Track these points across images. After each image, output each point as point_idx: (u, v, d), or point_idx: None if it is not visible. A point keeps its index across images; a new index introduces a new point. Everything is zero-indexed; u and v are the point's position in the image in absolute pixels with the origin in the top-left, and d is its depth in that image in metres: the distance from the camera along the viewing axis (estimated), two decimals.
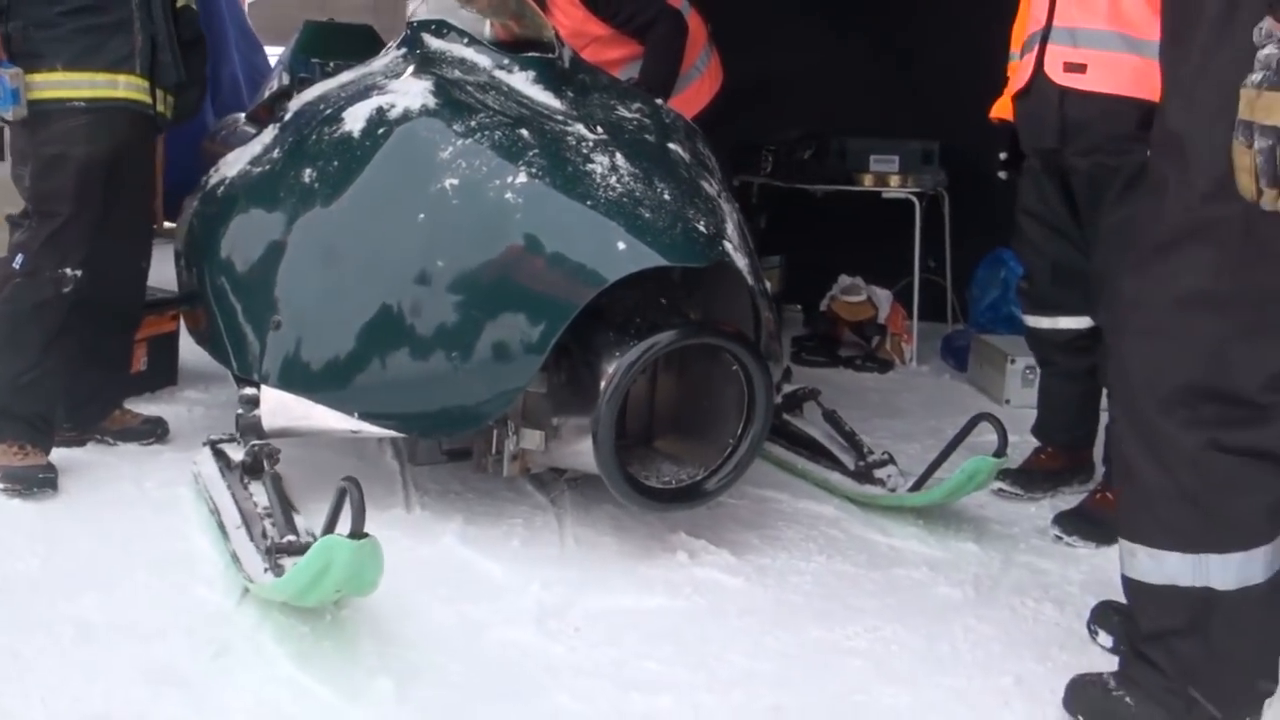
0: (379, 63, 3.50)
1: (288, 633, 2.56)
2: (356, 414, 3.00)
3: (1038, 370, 4.16)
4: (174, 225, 6.59)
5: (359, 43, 4.53)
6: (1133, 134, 3.07)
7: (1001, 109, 3.59)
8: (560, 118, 3.08)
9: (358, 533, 2.27)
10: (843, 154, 4.90)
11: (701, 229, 2.85)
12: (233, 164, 3.45)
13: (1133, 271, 2.32)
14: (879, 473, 3.42)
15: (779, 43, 5.14)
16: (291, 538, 2.69)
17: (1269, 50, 1.93)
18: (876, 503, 3.36)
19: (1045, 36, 3.24)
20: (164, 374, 4.17)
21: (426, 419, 2.98)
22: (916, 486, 3.32)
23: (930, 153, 4.83)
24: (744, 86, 4.60)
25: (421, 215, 2.92)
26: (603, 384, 2.78)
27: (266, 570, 2.66)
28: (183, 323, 4.08)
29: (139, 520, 3.13)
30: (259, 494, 2.97)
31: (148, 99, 3.37)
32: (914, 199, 4.75)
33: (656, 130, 3.18)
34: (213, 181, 3.45)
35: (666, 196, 2.88)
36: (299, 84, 4.08)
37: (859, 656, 2.62)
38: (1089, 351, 3.43)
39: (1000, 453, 3.13)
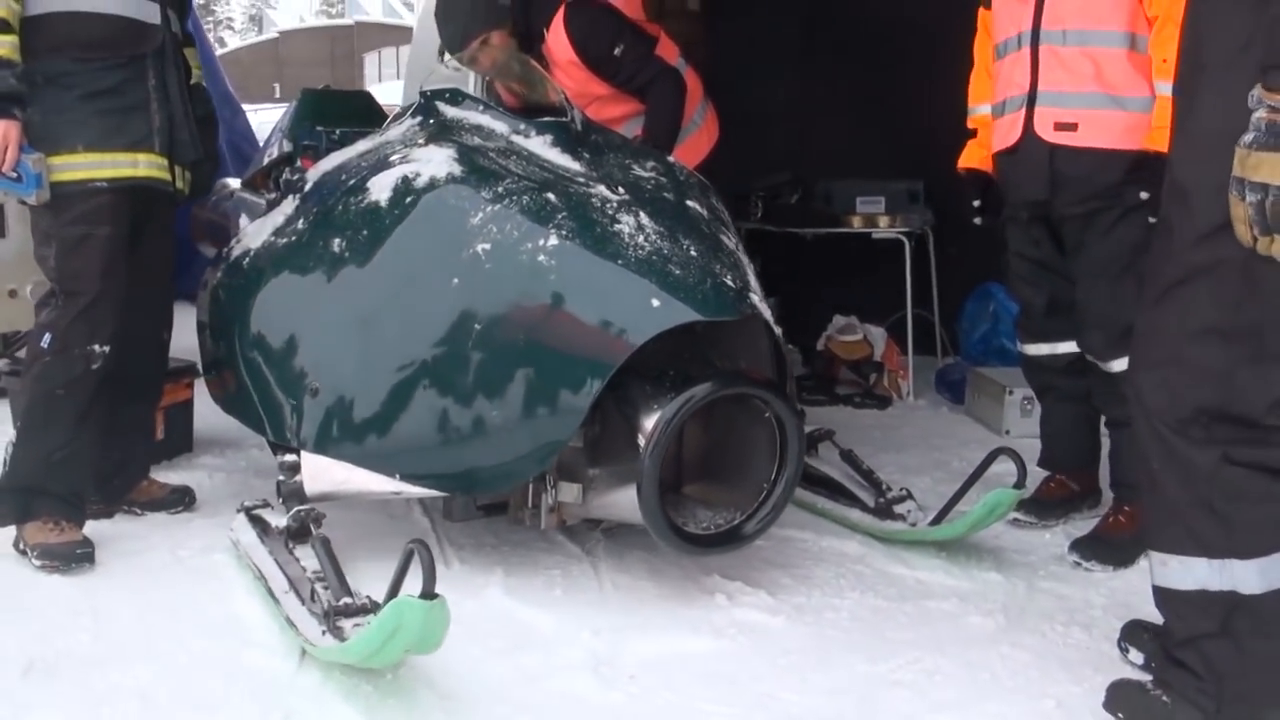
0: (394, 131, 3.59)
1: (352, 693, 2.62)
2: (398, 476, 3.07)
3: (1035, 401, 4.32)
4: None
5: (359, 109, 4.62)
6: (1122, 180, 3.33)
7: (969, 159, 3.77)
8: (582, 180, 3.18)
9: (429, 593, 2.35)
10: (829, 197, 5.04)
11: (729, 283, 2.96)
12: (255, 235, 3.52)
13: (1147, 308, 2.50)
14: (899, 508, 3.53)
15: (758, 88, 5.27)
16: (348, 600, 2.74)
17: (1259, 114, 2.16)
18: (899, 538, 3.47)
19: (1032, 100, 3.43)
20: (180, 441, 4.22)
21: (468, 477, 3.05)
22: (937, 520, 3.43)
23: (915, 192, 4.98)
24: (724, 132, 4.73)
25: (455, 280, 3.00)
26: (643, 438, 2.86)
27: (325, 633, 2.71)
28: (198, 391, 4.16)
29: (181, 589, 3.17)
30: (306, 558, 3.02)
31: (167, 176, 3.44)
32: (904, 238, 4.90)
33: (673, 188, 3.29)
34: (236, 252, 3.52)
35: (693, 253, 2.99)
36: (303, 151, 4.16)
37: (906, 688, 2.72)
38: (1084, 374, 3.60)
39: (1020, 484, 3.26)
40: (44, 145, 3.25)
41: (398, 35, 32.40)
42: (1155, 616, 2.86)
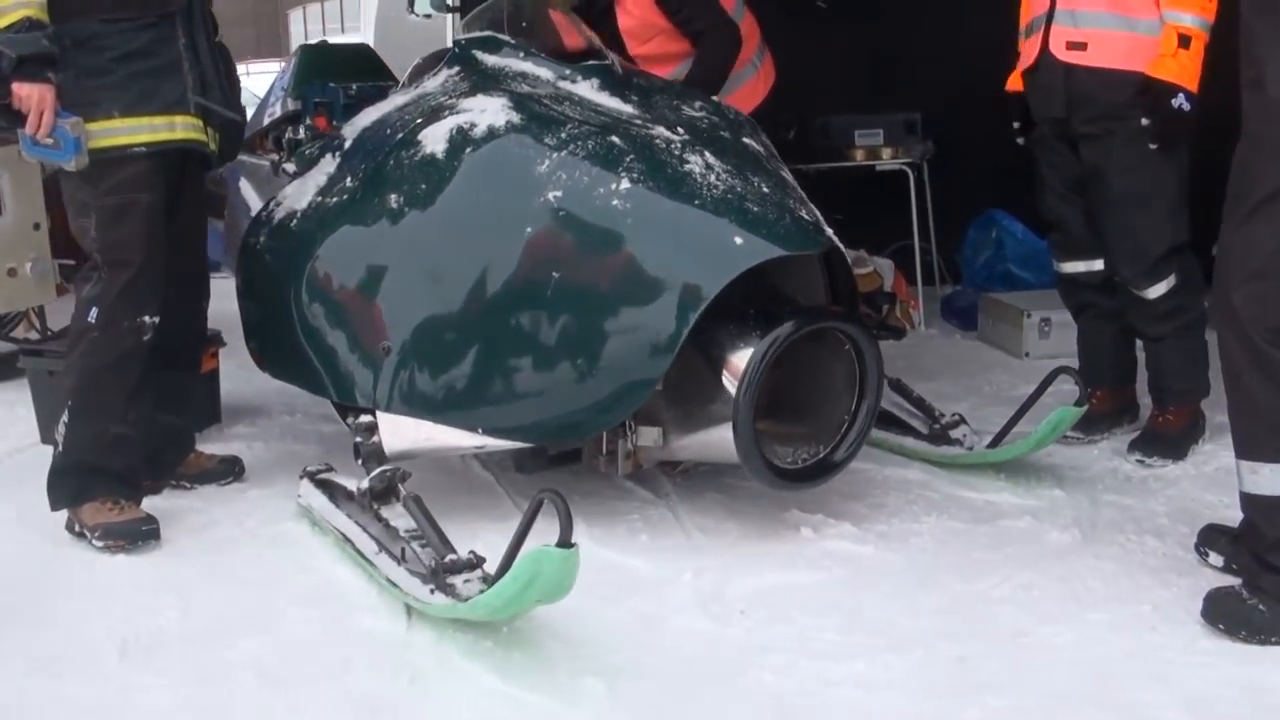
0: (432, 83, 3.53)
1: (473, 649, 2.62)
2: (481, 430, 3.05)
3: (1052, 324, 4.43)
4: None
5: (360, 63, 4.53)
6: (1129, 101, 3.43)
7: (1015, 82, 3.82)
8: (640, 122, 3.17)
9: (565, 542, 2.34)
10: (826, 132, 5.06)
11: (806, 217, 2.98)
12: (297, 196, 3.44)
13: (1236, 225, 2.58)
14: (954, 433, 3.60)
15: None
16: (454, 556, 2.72)
17: None
18: (959, 461, 3.54)
19: (1050, 18, 3.51)
20: (209, 414, 4.13)
21: (555, 427, 3.05)
22: (995, 442, 3.50)
23: (913, 123, 5.03)
24: None
25: (529, 228, 2.98)
26: (732, 378, 2.89)
27: (434, 591, 2.69)
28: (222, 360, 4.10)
29: (263, 560, 3.13)
30: (393, 517, 3.00)
31: (204, 137, 3.35)
32: (908, 169, 4.95)
33: (726, 127, 3.29)
34: (279, 215, 3.44)
35: (765, 189, 3.00)
36: (316, 110, 4.08)
37: (1008, 604, 2.80)
38: (1118, 291, 3.70)
39: (1082, 401, 3.34)
40: (78, 111, 3.13)
41: None
42: (1218, 519, 3.04)
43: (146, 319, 3.25)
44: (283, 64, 4.74)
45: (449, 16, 5.62)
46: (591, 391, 2.96)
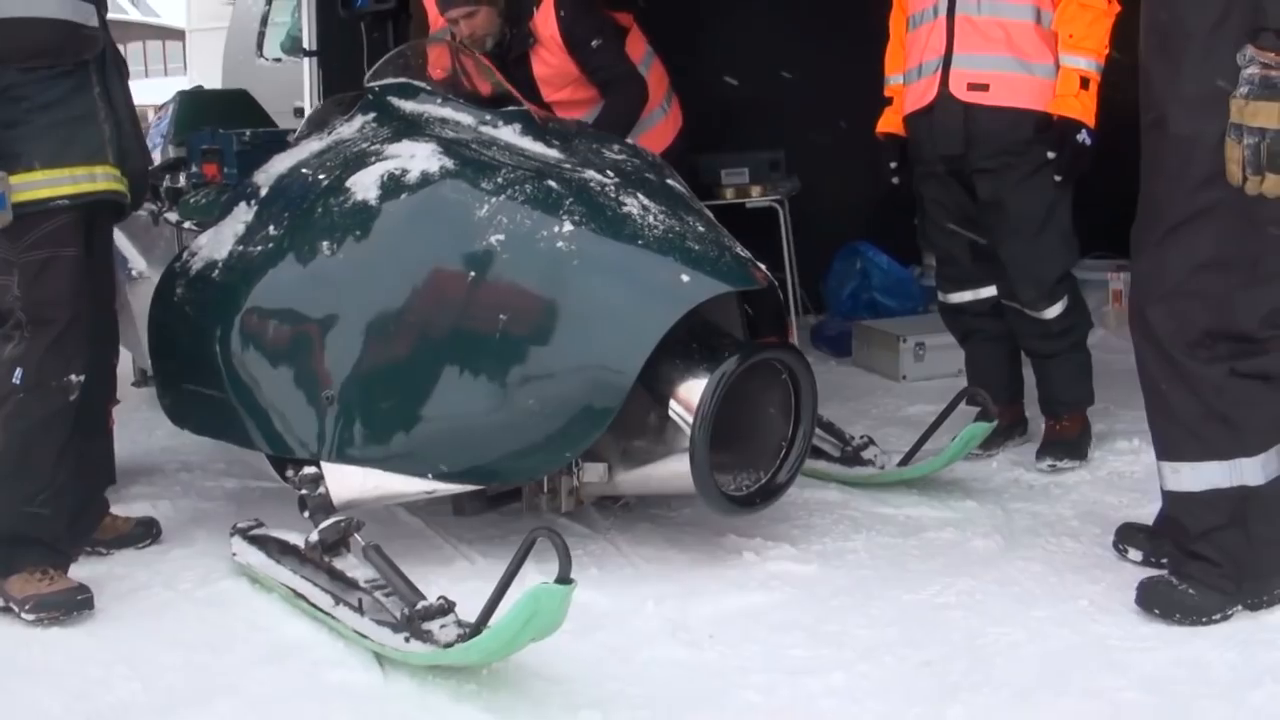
0: (347, 129, 3.53)
1: (459, 693, 2.63)
2: (431, 475, 3.06)
3: (926, 347, 4.70)
4: None
5: (240, 109, 4.45)
6: (1031, 138, 3.71)
7: (889, 125, 4.04)
8: (568, 166, 3.24)
9: (565, 578, 2.39)
10: (694, 171, 5.21)
11: (741, 254, 3.11)
12: (214, 245, 3.38)
13: (1148, 248, 2.86)
14: (865, 454, 3.76)
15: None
16: (425, 603, 2.72)
17: (1251, 70, 2.57)
18: (873, 481, 3.71)
19: (947, 62, 3.73)
20: (107, 475, 3.96)
21: (507, 469, 3.08)
22: (906, 460, 3.69)
23: (777, 161, 5.23)
24: None
25: (472, 273, 3.01)
26: (682, 411, 2.98)
27: (408, 639, 2.69)
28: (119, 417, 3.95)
29: (204, 621, 3.04)
30: (347, 568, 2.98)
31: (123, 187, 3.24)
32: (777, 206, 5.15)
33: (650, 169, 3.40)
34: (197, 266, 3.37)
35: (701, 228, 3.12)
36: (205, 157, 3.99)
37: (956, 609, 2.97)
38: (1003, 315, 3.97)
39: (990, 417, 3.56)
40: None
41: (145, 31, 30.45)
42: (1121, 519, 3.30)
43: (74, 378, 3.12)
44: (156, 110, 4.62)
45: (305, 60, 5.54)
46: (544, 432, 3.01)
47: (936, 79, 3.75)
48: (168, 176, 4.29)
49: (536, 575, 2.65)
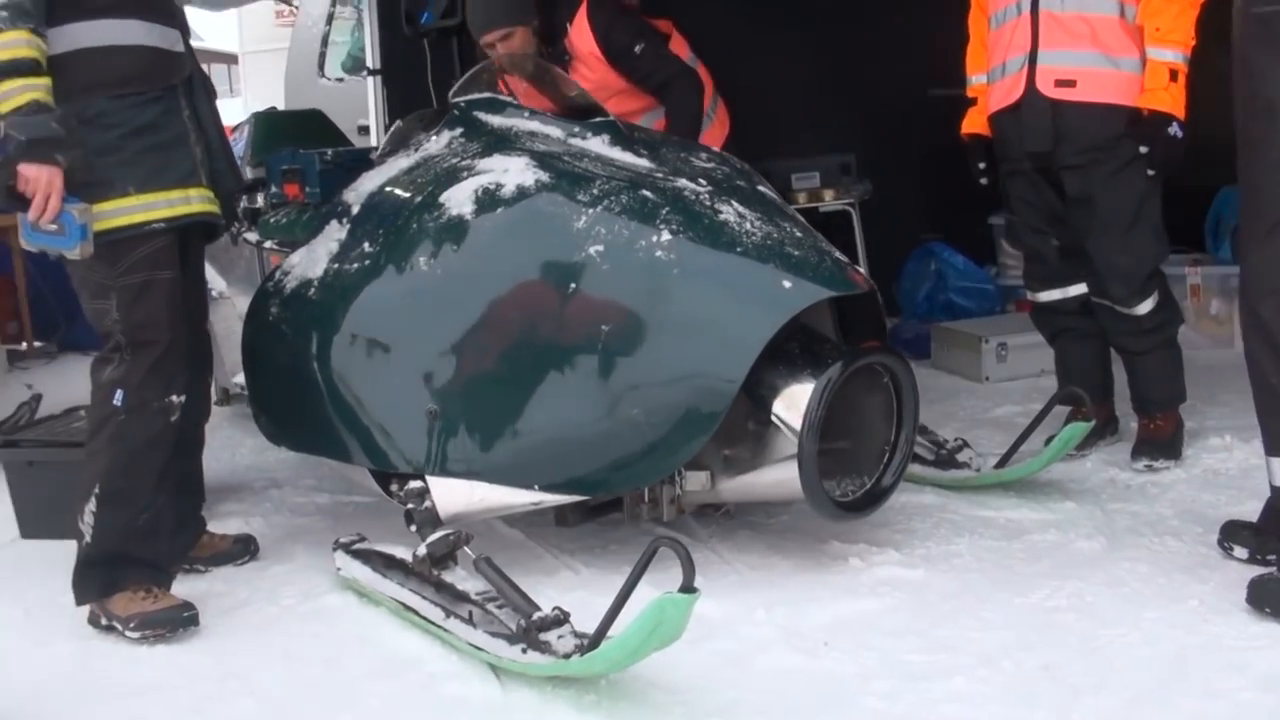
0: (434, 145, 3.53)
1: (579, 703, 2.62)
2: (536, 486, 3.06)
3: (1009, 348, 4.67)
4: (42, 344, 6.33)
5: (315, 128, 4.48)
6: (1120, 133, 3.67)
7: (972, 125, 4.02)
8: (660, 175, 3.24)
9: (689, 587, 2.38)
10: (765, 176, 5.18)
11: (841, 258, 3.10)
12: (308, 264, 3.40)
13: (1257, 244, 2.81)
14: (960, 457, 3.75)
15: None
16: (541, 614, 2.72)
17: None
18: (969, 484, 3.68)
19: (1033, 60, 3.71)
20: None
21: (612, 479, 3.07)
22: (1003, 463, 3.67)
23: (848, 165, 5.20)
24: None
25: (573, 284, 3.01)
26: (788, 417, 2.98)
27: (525, 650, 2.69)
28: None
29: (313, 636, 3.05)
30: (459, 581, 2.98)
31: (217, 208, 3.29)
32: (850, 208, 5.13)
33: (740, 175, 3.39)
34: (290, 284, 3.39)
35: (798, 234, 3.10)
36: (284, 176, 4.01)
37: (1068, 612, 2.94)
38: (1093, 313, 3.93)
39: (1089, 416, 3.53)
40: (91, 191, 3.03)
41: (202, 56, 30.74)
42: (1222, 517, 3.26)
43: (174, 398, 3.16)
44: (229, 131, 4.65)
45: (369, 79, 5.58)
46: (649, 441, 2.99)
47: (1023, 76, 3.73)
48: (245, 197, 4.31)
49: (645, 586, 2.63)
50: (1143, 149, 3.63)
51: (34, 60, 2.94)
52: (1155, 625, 2.83)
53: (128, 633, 3.07)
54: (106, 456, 3.14)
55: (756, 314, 2.94)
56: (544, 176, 3.16)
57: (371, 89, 5.60)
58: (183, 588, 3.36)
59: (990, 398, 4.68)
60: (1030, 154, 3.80)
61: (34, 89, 2.94)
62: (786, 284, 2.96)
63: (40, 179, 2.92)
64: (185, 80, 3.25)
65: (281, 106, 6.89)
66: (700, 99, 4.22)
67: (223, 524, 3.83)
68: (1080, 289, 3.92)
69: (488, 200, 3.16)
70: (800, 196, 5.14)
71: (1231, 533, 3.15)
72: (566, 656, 2.62)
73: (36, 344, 6.36)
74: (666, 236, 3.01)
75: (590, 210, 3.07)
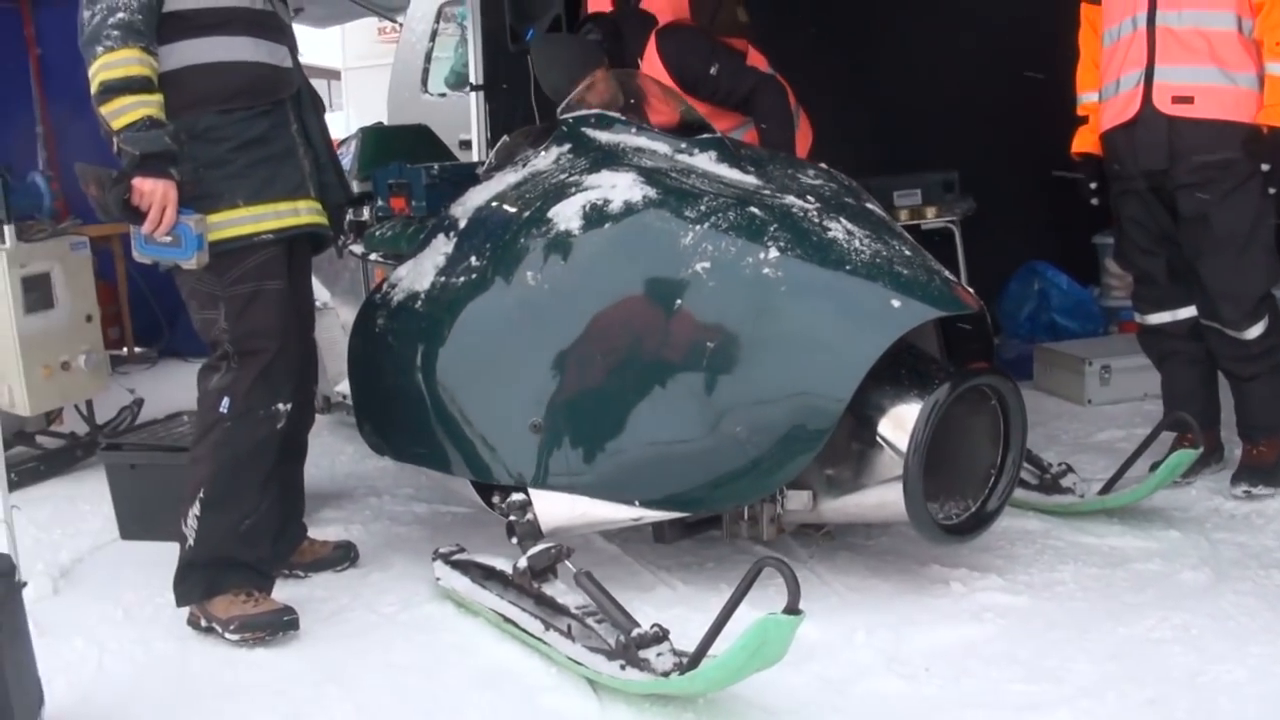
0: (541, 161, 3.56)
1: None
2: (638, 502, 3.07)
3: (1112, 370, 4.58)
4: (143, 350, 6.48)
5: (421, 143, 4.54)
6: (1236, 150, 3.58)
7: (1083, 144, 3.96)
8: (768, 192, 3.23)
9: (793, 608, 2.37)
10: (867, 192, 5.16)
11: (949, 277, 3.06)
12: (415, 276, 3.44)
13: None
14: (1064, 482, 3.68)
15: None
16: (640, 631, 2.72)
17: None
18: (1073, 509, 3.62)
19: (1149, 76, 3.64)
20: None
21: (713, 496, 3.07)
22: (1106, 489, 3.60)
23: (950, 182, 5.15)
24: None
25: (679, 301, 3.02)
26: (894, 437, 2.95)
27: (624, 666, 2.69)
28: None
29: (412, 644, 3.10)
30: (558, 594, 2.99)
31: (324, 220, 3.35)
32: (953, 227, 5.08)
33: (848, 193, 3.37)
34: (398, 298, 3.44)
35: (907, 252, 3.08)
36: (390, 190, 4.07)
37: (1173, 644, 2.88)
38: (1202, 337, 3.85)
39: (1196, 444, 3.45)
40: (201, 204, 3.11)
41: (307, 71, 31.38)
42: None
43: (281, 406, 3.22)
44: (339, 144, 4.73)
45: (472, 95, 5.65)
46: (752, 458, 2.99)
47: (1139, 92, 3.66)
48: (351, 210, 4.38)
49: (744, 606, 2.63)
50: (1265, 167, 3.55)
51: (145, 77, 3.02)
52: (1261, 661, 2.77)
53: (228, 635, 3.13)
54: (213, 462, 3.20)
55: (865, 333, 2.93)
56: (651, 193, 3.17)
57: (474, 104, 5.66)
58: (283, 593, 3.42)
59: (1093, 421, 4.60)
60: (1144, 172, 3.73)
61: (147, 105, 3.02)
62: (895, 303, 2.94)
63: (155, 192, 3.01)
64: (294, 95, 3.31)
65: (385, 121, 7.00)
66: (787, 103, 4.21)
67: (322, 530, 3.89)
68: (1190, 312, 3.84)
69: (595, 216, 3.17)
70: (902, 213, 5.10)
71: None
72: (666, 674, 2.62)
73: (138, 349, 6.51)
74: (774, 254, 3.00)
75: (697, 227, 3.07)
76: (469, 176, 3.85)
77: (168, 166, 3.04)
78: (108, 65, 2.98)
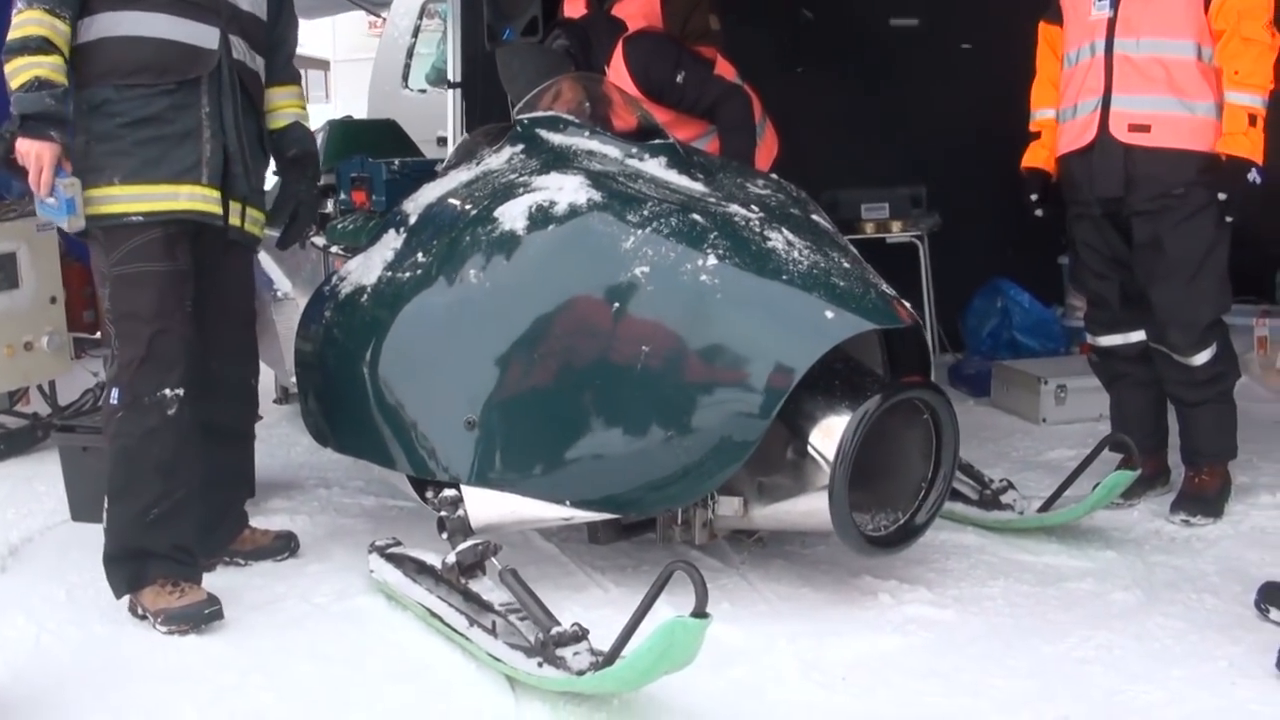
0: (495, 160, 3.58)
1: None
2: (569, 502, 3.08)
3: (1067, 390, 4.60)
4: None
5: (388, 137, 4.56)
6: (1193, 180, 3.61)
7: (1034, 159, 3.97)
8: (713, 200, 3.25)
9: (701, 612, 2.38)
10: (834, 206, 5.18)
11: (887, 291, 3.08)
12: (362, 271, 3.46)
13: None
14: (1004, 498, 3.70)
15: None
16: (559, 629, 2.74)
17: None
18: (1011, 526, 3.64)
19: (1106, 103, 3.65)
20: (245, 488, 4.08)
21: (643, 499, 3.08)
22: (1046, 506, 3.61)
23: (918, 197, 5.18)
24: None
25: (616, 305, 3.03)
26: (823, 448, 2.96)
27: (541, 664, 2.71)
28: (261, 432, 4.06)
29: (340, 635, 3.11)
30: (483, 591, 3.01)
31: (217, 209, 3.26)
32: (918, 241, 5.10)
33: (794, 204, 3.39)
34: (345, 291, 3.46)
35: (846, 265, 3.09)
36: (355, 184, 4.08)
37: (1094, 664, 2.89)
38: (1152, 361, 3.87)
39: (1135, 465, 3.47)
40: (84, 177, 3.11)
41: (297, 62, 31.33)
42: (1264, 577, 3.17)
43: (168, 392, 3.15)
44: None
45: (450, 92, 5.66)
46: (682, 463, 3.01)
47: (1095, 119, 3.68)
48: (326, 200, 4.38)
49: (667, 608, 2.65)
50: (1221, 195, 3.56)
51: (42, 38, 3.04)
52: (1181, 685, 2.78)
53: (157, 626, 3.14)
54: (111, 454, 3.21)
55: (797, 343, 2.94)
56: (596, 196, 3.19)
57: (451, 101, 5.66)
58: (221, 580, 3.44)
59: (1046, 440, 4.62)
60: (1100, 199, 3.75)
61: (39, 66, 3.03)
62: (829, 314, 2.95)
63: (31, 154, 3.03)
64: (211, 75, 3.23)
65: (365, 115, 7.02)
66: (751, 113, 4.22)
67: (268, 520, 3.90)
68: (1140, 335, 3.86)
69: (540, 217, 3.19)
70: (868, 226, 5.13)
71: (1270, 594, 3.08)
72: (580, 673, 2.63)
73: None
74: (712, 261, 3.02)
75: (639, 231, 3.09)
76: (429, 173, 3.87)
77: (48, 128, 3.04)
78: (15, 26, 3.04)
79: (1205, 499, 3.74)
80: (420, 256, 3.34)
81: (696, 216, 3.12)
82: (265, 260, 4.59)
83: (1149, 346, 3.84)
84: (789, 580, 3.34)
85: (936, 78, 5.41)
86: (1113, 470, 3.61)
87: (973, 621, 3.10)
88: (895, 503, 3.19)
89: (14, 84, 3.03)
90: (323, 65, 14.52)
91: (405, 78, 7.70)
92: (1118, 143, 3.64)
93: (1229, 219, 3.58)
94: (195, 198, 3.22)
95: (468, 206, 3.36)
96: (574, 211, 3.16)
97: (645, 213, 3.13)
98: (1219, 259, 3.68)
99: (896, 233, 5.11)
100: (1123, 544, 3.60)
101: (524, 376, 3.10)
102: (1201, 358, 3.68)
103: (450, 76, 5.74)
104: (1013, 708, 2.68)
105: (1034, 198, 3.97)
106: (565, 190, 3.22)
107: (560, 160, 3.43)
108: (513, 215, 3.23)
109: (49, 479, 4.25)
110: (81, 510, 3.96)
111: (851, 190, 5.23)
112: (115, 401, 3.19)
